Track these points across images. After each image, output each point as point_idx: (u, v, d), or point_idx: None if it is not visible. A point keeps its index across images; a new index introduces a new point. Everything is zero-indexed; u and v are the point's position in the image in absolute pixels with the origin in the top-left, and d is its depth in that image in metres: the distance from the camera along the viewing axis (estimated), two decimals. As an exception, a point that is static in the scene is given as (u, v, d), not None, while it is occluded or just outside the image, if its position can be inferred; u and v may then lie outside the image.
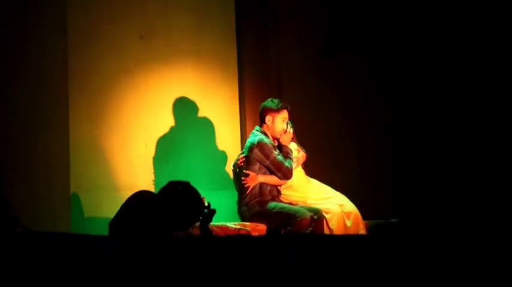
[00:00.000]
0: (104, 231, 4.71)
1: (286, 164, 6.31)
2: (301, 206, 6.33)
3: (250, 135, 6.52)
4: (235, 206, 6.50)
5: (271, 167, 6.33)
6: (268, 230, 6.20)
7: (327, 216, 6.27)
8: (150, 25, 7.15)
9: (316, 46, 7.65)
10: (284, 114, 6.44)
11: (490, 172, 7.11)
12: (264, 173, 6.36)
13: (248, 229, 6.12)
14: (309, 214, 6.14)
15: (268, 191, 6.36)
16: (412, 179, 7.32)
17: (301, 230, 6.04)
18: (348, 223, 6.28)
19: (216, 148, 7.37)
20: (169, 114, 7.20)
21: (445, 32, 7.39)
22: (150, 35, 7.14)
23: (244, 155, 6.44)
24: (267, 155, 6.31)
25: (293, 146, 6.54)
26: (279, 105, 6.43)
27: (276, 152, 6.34)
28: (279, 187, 6.45)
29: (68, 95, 6.65)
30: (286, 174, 6.35)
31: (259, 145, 6.34)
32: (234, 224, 6.13)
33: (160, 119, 7.17)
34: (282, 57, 7.67)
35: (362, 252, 4.26)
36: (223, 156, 7.36)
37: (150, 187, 6.81)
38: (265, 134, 6.43)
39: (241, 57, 7.62)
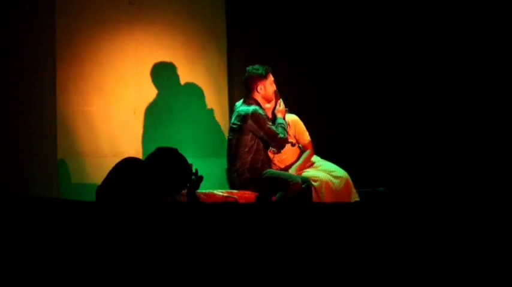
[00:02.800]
0: (92, 197, 4.72)
1: (280, 134, 6.31)
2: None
3: (240, 105, 6.45)
4: (222, 174, 6.51)
5: (265, 137, 6.31)
6: (259, 196, 6.19)
7: (315, 184, 6.27)
8: (139, -9, 7.12)
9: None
10: (271, 77, 6.46)
11: (477, 143, 7.15)
12: (257, 144, 6.33)
13: (235, 196, 6.12)
14: (300, 179, 6.15)
15: (260, 160, 6.35)
16: (399, 148, 7.34)
17: (293, 194, 6.04)
18: (337, 187, 6.29)
19: (204, 115, 7.36)
20: (157, 81, 7.18)
21: (442, 16, 7.37)
22: (139, 1, 7.10)
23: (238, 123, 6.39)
24: (262, 126, 6.28)
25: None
26: (265, 71, 6.42)
27: (269, 123, 6.33)
28: (270, 157, 6.46)
29: (55, 60, 6.61)
30: (281, 144, 6.36)
31: (254, 115, 6.30)
32: (221, 192, 6.13)
33: (148, 86, 7.14)
34: (272, 23, 7.65)
35: (350, 219, 4.28)
36: (211, 124, 7.36)
37: (138, 154, 6.82)
38: (257, 103, 6.41)
39: (230, 24, 7.59)
